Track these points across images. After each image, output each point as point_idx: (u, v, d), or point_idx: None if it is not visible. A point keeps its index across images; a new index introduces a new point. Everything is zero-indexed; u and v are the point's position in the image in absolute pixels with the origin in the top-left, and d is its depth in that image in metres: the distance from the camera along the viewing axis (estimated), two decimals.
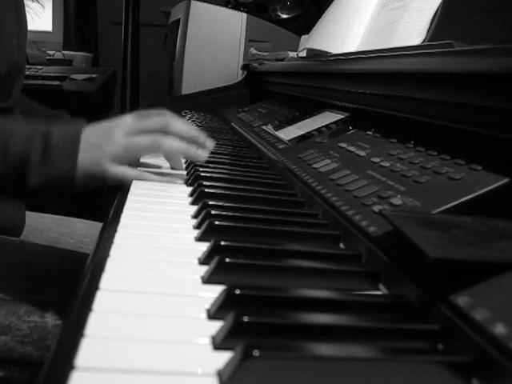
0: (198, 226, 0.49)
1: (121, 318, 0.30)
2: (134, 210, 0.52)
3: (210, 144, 0.69)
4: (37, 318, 0.66)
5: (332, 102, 0.89)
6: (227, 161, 0.78)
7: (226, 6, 1.86)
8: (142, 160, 0.76)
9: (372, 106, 0.73)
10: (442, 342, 0.30)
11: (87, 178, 0.61)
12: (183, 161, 0.77)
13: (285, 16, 1.93)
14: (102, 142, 0.61)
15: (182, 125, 0.66)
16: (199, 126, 1.14)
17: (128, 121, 0.64)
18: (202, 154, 0.67)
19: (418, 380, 0.27)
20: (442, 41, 0.57)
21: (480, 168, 0.43)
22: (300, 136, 0.81)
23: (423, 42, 0.70)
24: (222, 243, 0.41)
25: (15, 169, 0.59)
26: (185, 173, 0.72)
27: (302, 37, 1.40)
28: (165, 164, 0.75)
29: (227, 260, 0.37)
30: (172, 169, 0.73)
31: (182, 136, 0.65)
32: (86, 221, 1.08)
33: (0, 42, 0.78)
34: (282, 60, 1.31)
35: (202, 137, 0.68)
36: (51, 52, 2.63)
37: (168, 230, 0.48)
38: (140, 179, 0.64)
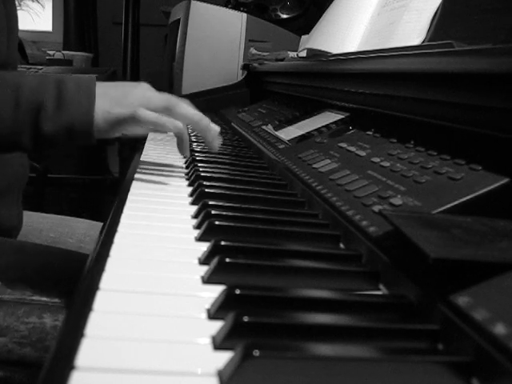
0: (198, 226, 0.49)
1: (121, 318, 0.30)
2: (134, 209, 0.52)
3: (217, 128, 0.69)
4: (35, 319, 0.66)
5: (332, 102, 0.89)
6: (227, 161, 0.78)
7: (226, 5, 1.86)
8: (142, 158, 0.76)
9: (372, 106, 0.73)
10: (442, 342, 0.30)
11: (106, 124, 0.61)
12: (181, 157, 0.77)
13: (285, 16, 1.93)
14: (118, 94, 0.62)
15: (187, 107, 0.66)
16: None
17: (146, 86, 0.65)
18: (216, 128, 0.68)
19: (418, 380, 0.27)
20: (442, 41, 0.57)
21: (480, 168, 0.43)
22: (300, 136, 0.81)
23: (423, 42, 0.70)
24: (222, 243, 0.41)
25: (29, 116, 0.58)
26: (185, 171, 0.72)
27: (302, 37, 1.40)
28: (164, 161, 0.75)
29: (227, 260, 0.37)
30: (178, 147, 0.71)
31: (187, 119, 0.66)
32: (86, 221, 1.08)
33: None
34: (282, 60, 1.31)
35: (205, 120, 0.68)
36: (51, 52, 2.63)
37: (168, 229, 0.48)
38: (159, 123, 0.63)
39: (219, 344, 0.28)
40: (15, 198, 0.90)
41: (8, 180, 0.86)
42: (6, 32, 0.81)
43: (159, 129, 0.65)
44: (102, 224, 0.51)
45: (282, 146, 0.81)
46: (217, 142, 0.70)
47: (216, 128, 0.69)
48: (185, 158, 0.75)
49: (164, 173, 0.70)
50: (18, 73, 0.62)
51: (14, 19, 0.86)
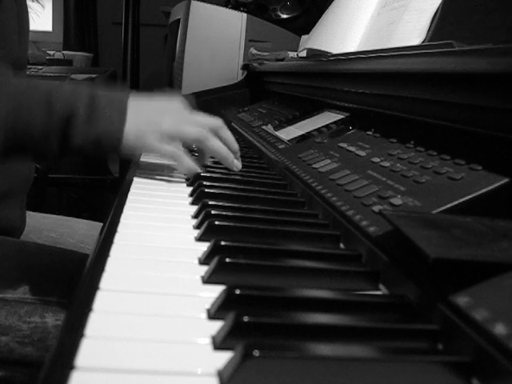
0: (198, 226, 0.49)
1: (121, 318, 0.30)
2: (134, 210, 0.52)
3: (239, 165, 0.70)
4: (37, 319, 0.66)
5: (332, 101, 0.89)
6: None
7: (226, 6, 1.86)
8: (142, 158, 0.76)
9: (372, 106, 0.73)
10: (442, 342, 0.30)
11: (133, 144, 0.61)
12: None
13: (285, 16, 1.93)
14: (151, 115, 0.62)
15: (230, 134, 0.68)
16: None
17: (181, 105, 0.66)
18: (238, 165, 0.70)
19: (418, 380, 0.27)
20: (441, 41, 0.57)
21: (480, 168, 0.43)
22: (300, 136, 0.81)
23: (423, 42, 0.70)
24: (222, 243, 0.41)
25: (60, 123, 0.58)
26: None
27: (302, 37, 1.40)
28: (164, 161, 0.75)
29: (227, 260, 0.37)
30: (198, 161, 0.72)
31: (227, 143, 0.67)
32: (86, 221, 1.08)
33: (1, 36, 0.77)
34: (282, 60, 1.31)
35: (238, 153, 0.70)
36: (51, 52, 2.63)
37: (168, 229, 0.48)
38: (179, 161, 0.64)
39: (219, 344, 0.28)
40: (19, 199, 0.90)
41: (13, 182, 0.87)
42: (18, 32, 0.82)
43: (201, 145, 0.66)
44: (101, 224, 0.51)
45: (282, 146, 0.81)
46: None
47: (239, 166, 0.70)
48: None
49: (164, 173, 0.70)
50: (52, 82, 0.62)
51: (25, 18, 0.86)
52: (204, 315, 0.32)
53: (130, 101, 0.61)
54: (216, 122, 0.67)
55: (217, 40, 1.66)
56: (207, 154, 0.71)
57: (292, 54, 1.28)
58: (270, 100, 1.30)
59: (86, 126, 0.59)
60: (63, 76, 2.27)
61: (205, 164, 0.72)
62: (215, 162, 0.76)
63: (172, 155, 0.63)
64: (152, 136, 0.61)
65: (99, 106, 0.59)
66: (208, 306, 0.33)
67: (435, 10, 0.71)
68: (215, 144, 0.65)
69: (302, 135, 0.81)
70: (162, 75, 2.14)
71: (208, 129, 0.65)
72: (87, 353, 0.26)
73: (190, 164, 0.65)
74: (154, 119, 0.62)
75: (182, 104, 0.66)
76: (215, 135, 0.66)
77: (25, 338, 0.65)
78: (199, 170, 0.66)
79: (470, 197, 0.41)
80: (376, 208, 0.45)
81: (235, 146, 0.69)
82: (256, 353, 0.25)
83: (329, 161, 0.63)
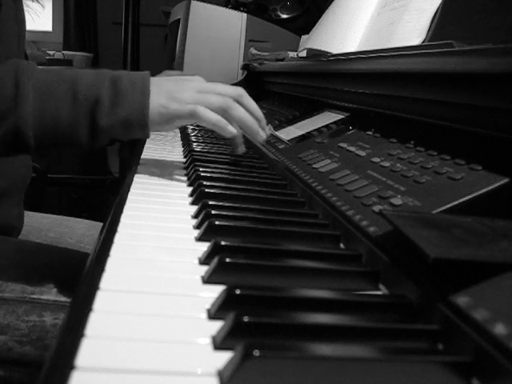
0: (198, 226, 0.49)
1: (121, 318, 0.30)
2: (134, 209, 0.52)
3: (268, 131, 0.70)
4: (35, 318, 0.66)
5: (332, 101, 0.89)
6: (227, 161, 0.78)
7: (226, 6, 1.86)
8: (143, 158, 0.76)
9: (372, 105, 0.73)
10: (442, 342, 0.30)
11: (160, 120, 0.62)
12: (182, 155, 0.77)
13: (285, 16, 1.93)
14: (172, 89, 0.63)
15: (253, 101, 0.68)
16: (199, 126, 1.14)
17: (200, 79, 0.67)
18: (263, 134, 0.69)
19: (418, 380, 0.27)
20: (441, 41, 0.57)
21: (480, 168, 0.43)
22: (300, 136, 0.81)
23: (423, 42, 0.70)
24: (222, 243, 0.41)
25: (87, 110, 0.59)
26: (185, 171, 0.72)
27: (302, 37, 1.40)
28: (165, 161, 0.75)
29: (227, 260, 0.37)
30: (232, 143, 0.72)
31: (251, 111, 0.67)
32: (85, 221, 1.08)
33: (0, 40, 0.77)
34: (282, 60, 1.31)
35: (264, 120, 0.70)
36: (51, 52, 2.63)
37: (168, 229, 0.48)
38: (218, 125, 0.64)
39: (219, 344, 0.28)
40: (17, 198, 0.90)
41: (10, 180, 0.87)
42: (17, 35, 0.82)
43: (216, 130, 0.66)
44: (101, 224, 0.51)
45: (282, 146, 0.81)
46: (262, 138, 0.70)
47: (263, 135, 0.70)
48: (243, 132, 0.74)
49: (164, 173, 0.70)
50: (75, 70, 0.63)
51: (23, 23, 0.87)
52: (204, 315, 0.32)
53: (151, 79, 0.63)
54: (238, 90, 0.67)
55: (217, 40, 1.66)
56: (232, 124, 0.69)
57: (292, 54, 1.28)
58: (270, 100, 1.30)
59: (111, 109, 0.60)
60: None
61: (240, 151, 0.72)
62: (215, 162, 0.76)
63: (210, 119, 0.63)
64: (176, 107, 0.62)
65: (122, 87, 0.61)
66: (208, 306, 0.33)
67: (435, 10, 0.71)
68: (240, 112, 0.66)
69: (302, 135, 0.81)
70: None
71: (231, 97, 0.65)
72: (87, 353, 0.26)
73: (230, 130, 0.65)
74: (176, 94, 0.63)
75: (201, 78, 0.68)
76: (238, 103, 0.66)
77: (23, 337, 0.65)
78: (240, 134, 0.67)
79: (470, 197, 0.41)
80: (376, 208, 0.45)
81: (259, 113, 0.69)
82: (256, 353, 0.25)
83: (329, 161, 0.63)
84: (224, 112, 0.65)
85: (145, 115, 0.61)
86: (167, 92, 0.63)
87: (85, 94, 0.60)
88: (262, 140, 0.70)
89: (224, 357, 0.27)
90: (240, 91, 0.67)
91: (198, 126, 1.16)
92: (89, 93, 0.60)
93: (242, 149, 0.71)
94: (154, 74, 0.65)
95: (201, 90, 0.65)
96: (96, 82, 0.61)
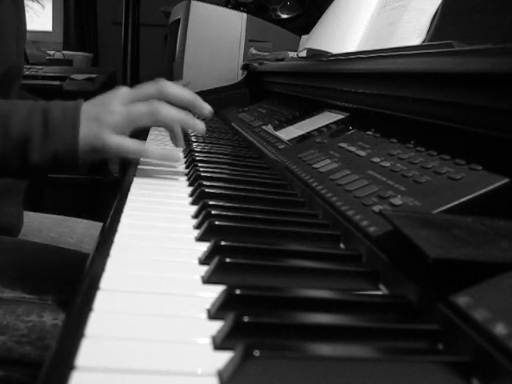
0: (198, 226, 0.49)
1: (121, 318, 0.30)
2: (134, 209, 0.52)
3: (208, 107, 0.69)
4: (35, 318, 0.66)
5: (332, 101, 0.89)
6: (227, 161, 0.78)
7: (226, 6, 1.86)
8: (143, 158, 0.76)
9: (372, 105, 0.73)
10: (442, 342, 0.30)
11: (91, 151, 0.61)
12: (181, 155, 0.77)
13: (285, 16, 1.93)
14: (101, 113, 0.62)
15: (177, 88, 0.66)
16: None
17: (124, 91, 0.65)
18: (200, 124, 0.68)
19: (418, 380, 0.27)
20: (441, 41, 0.57)
21: (480, 168, 0.43)
22: (300, 136, 0.81)
23: (423, 42, 0.70)
24: (223, 243, 0.41)
25: (17, 147, 0.59)
26: (185, 171, 0.72)
27: (302, 37, 1.40)
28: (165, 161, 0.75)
29: (227, 260, 0.37)
30: (171, 139, 0.72)
31: (179, 99, 0.66)
32: (85, 221, 1.09)
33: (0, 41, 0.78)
34: (282, 60, 1.31)
35: (198, 100, 0.68)
36: (51, 52, 2.63)
37: (168, 229, 0.48)
38: (140, 151, 0.64)
39: (219, 344, 0.28)
40: (16, 198, 0.90)
41: (10, 180, 0.87)
42: (16, 36, 0.82)
43: (157, 118, 0.64)
44: (101, 224, 0.51)
45: (282, 146, 0.81)
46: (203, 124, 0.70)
47: (202, 127, 0.69)
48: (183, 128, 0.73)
49: (164, 173, 0.70)
50: (8, 103, 0.63)
51: (23, 25, 0.87)
52: (204, 315, 0.32)
53: (82, 107, 0.62)
54: (157, 85, 0.65)
55: (217, 40, 1.66)
56: (167, 126, 0.69)
57: (292, 54, 1.28)
58: (269, 100, 1.30)
59: (42, 144, 0.59)
60: (63, 76, 2.27)
61: (179, 138, 0.71)
62: (215, 162, 0.76)
63: (144, 110, 0.63)
64: (107, 135, 0.61)
65: (53, 123, 0.60)
66: (208, 306, 0.33)
67: (435, 10, 0.71)
68: (168, 113, 0.64)
69: (302, 135, 0.81)
70: (162, 75, 2.14)
71: (154, 97, 0.64)
72: (87, 353, 0.26)
73: (170, 110, 0.64)
74: (102, 117, 0.62)
75: (123, 88, 0.66)
76: (164, 99, 0.65)
77: (22, 337, 0.65)
78: (176, 156, 0.67)
79: (470, 197, 0.41)
80: (376, 208, 0.45)
81: (188, 95, 0.67)
82: (256, 353, 0.25)
83: (329, 161, 0.63)
84: (160, 94, 0.64)
85: (74, 151, 0.60)
86: (95, 120, 0.61)
87: (17, 131, 0.59)
88: (203, 124, 0.69)
89: (224, 357, 0.27)
90: (160, 86, 0.65)
91: None
92: (20, 130, 0.59)
93: (200, 126, 0.69)
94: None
95: (126, 103, 0.63)
96: (28, 118, 0.60)
